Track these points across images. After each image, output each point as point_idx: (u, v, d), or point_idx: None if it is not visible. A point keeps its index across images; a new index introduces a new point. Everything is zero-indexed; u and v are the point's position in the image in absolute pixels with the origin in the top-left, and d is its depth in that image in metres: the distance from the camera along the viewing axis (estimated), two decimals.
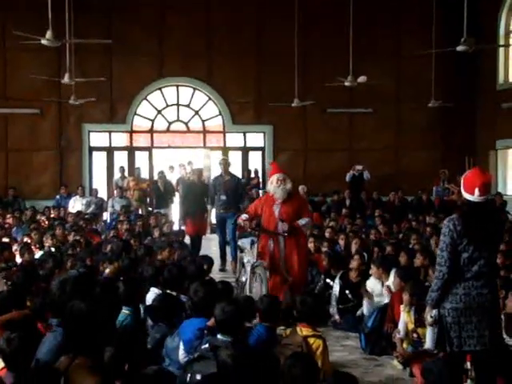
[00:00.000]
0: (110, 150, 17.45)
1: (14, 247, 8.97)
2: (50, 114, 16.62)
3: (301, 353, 4.65)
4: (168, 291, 6.03)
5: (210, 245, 12.66)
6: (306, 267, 8.16)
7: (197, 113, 17.54)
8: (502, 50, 16.80)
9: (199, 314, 5.11)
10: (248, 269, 7.95)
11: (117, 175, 16.27)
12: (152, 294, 6.16)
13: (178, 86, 17.41)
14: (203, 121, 17.62)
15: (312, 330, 5.09)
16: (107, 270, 7.30)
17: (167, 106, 17.48)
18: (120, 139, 17.57)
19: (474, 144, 17.61)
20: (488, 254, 4.41)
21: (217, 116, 17.55)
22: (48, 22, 10.85)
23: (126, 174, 16.14)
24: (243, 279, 8.19)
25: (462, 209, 4.48)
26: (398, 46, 17.36)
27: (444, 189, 15.65)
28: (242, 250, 9.07)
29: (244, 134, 17.76)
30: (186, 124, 17.67)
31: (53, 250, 9.04)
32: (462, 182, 4.48)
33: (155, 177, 16.11)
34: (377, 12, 16.97)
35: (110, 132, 17.30)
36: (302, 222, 7.89)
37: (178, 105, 17.53)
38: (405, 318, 6.05)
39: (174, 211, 14.91)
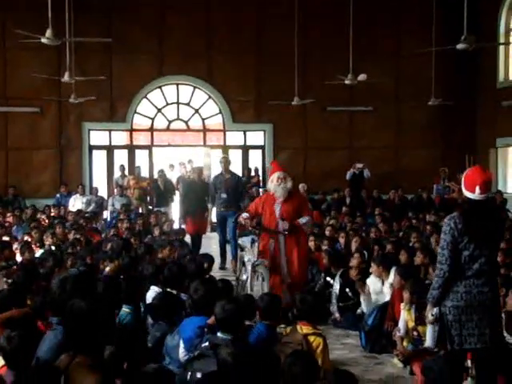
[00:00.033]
0: (110, 149, 17.43)
1: (15, 246, 8.98)
2: (50, 112, 16.59)
3: (301, 351, 4.64)
4: (168, 289, 6.02)
5: (211, 243, 12.65)
6: (306, 266, 8.16)
7: (197, 111, 17.53)
8: (502, 48, 16.79)
9: (199, 312, 5.11)
10: (248, 267, 7.95)
11: (117, 174, 16.28)
12: (152, 292, 6.17)
13: (177, 85, 17.39)
14: (203, 119, 17.61)
15: (312, 328, 5.08)
16: (107, 269, 7.30)
17: (167, 104, 17.45)
18: (120, 138, 17.55)
19: (475, 142, 17.61)
20: (489, 252, 4.41)
21: (217, 114, 17.54)
22: (48, 21, 10.82)
23: (126, 172, 16.14)
24: (244, 278, 8.20)
25: (463, 207, 4.49)
26: (398, 45, 17.34)
27: (444, 187, 15.66)
28: (242, 249, 9.08)
29: (244, 132, 17.75)
30: (186, 122, 17.65)
31: (53, 248, 9.07)
32: (462, 180, 4.48)
33: (155, 175, 16.10)
34: (377, 12, 16.96)
35: (110, 130, 17.29)
36: (302, 220, 7.88)
37: (178, 103, 17.51)
38: (405, 316, 6.05)
39: (175, 210, 14.88)
